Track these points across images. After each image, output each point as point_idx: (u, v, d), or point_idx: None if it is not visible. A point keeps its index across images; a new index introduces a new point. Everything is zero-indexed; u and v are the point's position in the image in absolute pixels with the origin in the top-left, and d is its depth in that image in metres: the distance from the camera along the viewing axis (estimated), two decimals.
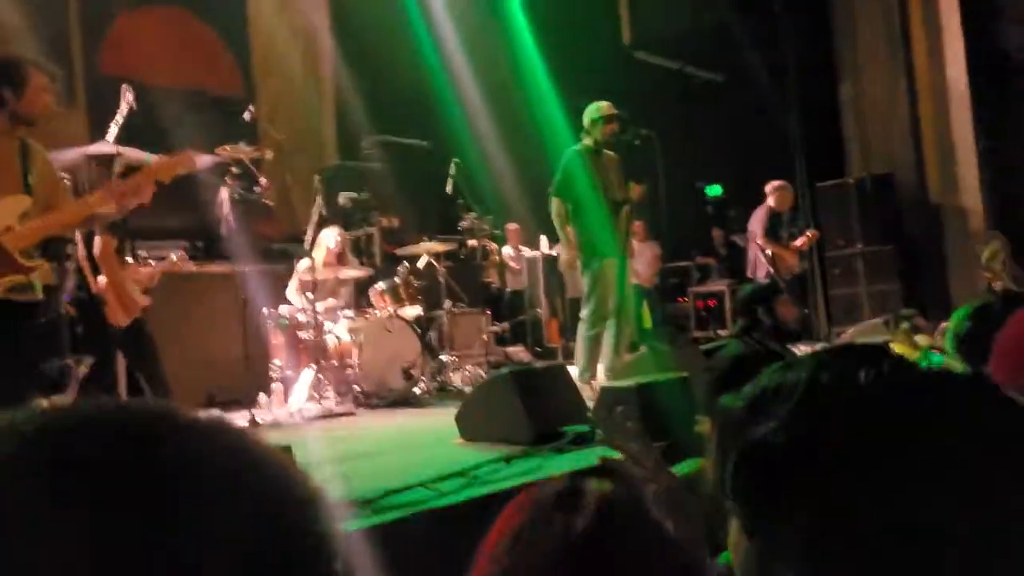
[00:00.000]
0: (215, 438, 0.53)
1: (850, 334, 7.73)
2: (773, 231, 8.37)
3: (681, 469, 1.88)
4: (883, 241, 9.85)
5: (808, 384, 0.73)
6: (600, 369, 6.06)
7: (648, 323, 12.02)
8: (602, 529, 1.02)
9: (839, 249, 10.10)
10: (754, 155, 10.85)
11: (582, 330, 6.07)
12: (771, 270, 8.27)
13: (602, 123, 6.04)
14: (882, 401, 0.70)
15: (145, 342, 5.32)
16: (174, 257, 5.88)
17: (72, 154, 6.47)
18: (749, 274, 8.63)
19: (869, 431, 0.69)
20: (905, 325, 5.61)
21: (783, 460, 0.71)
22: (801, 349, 7.68)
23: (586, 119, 6.14)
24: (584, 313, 6.08)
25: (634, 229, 11.55)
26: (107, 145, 6.16)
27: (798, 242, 8.41)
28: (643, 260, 11.64)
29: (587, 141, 6.12)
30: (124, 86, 5.99)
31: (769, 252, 8.26)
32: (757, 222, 8.45)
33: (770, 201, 8.43)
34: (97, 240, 5.07)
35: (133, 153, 5.67)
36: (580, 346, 6.06)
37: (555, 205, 6.12)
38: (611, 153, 6.21)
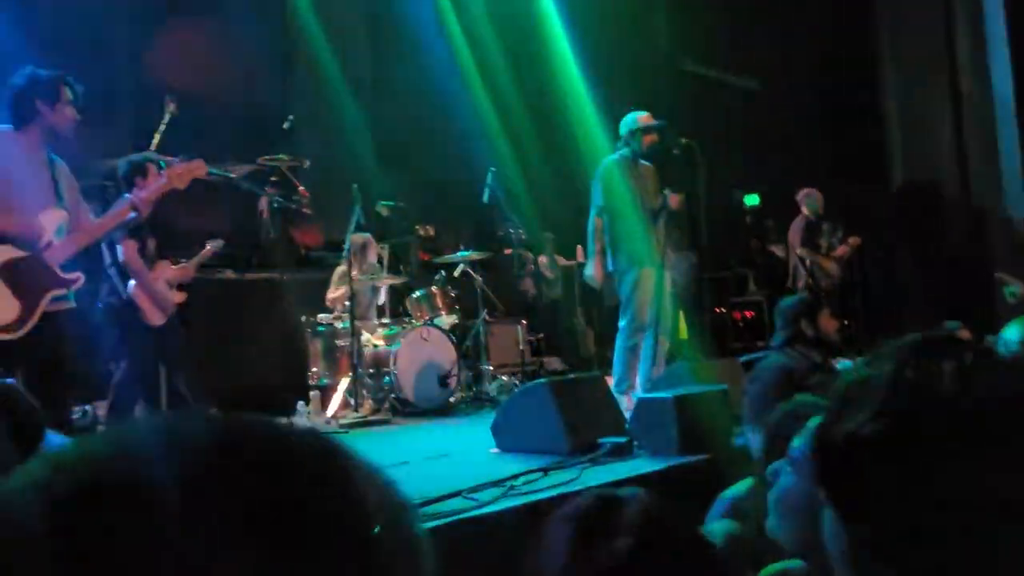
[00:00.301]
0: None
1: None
2: (811, 240, 8.29)
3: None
4: (926, 251, 9.68)
5: (894, 376, 0.74)
6: (638, 380, 6.01)
7: (685, 334, 11.91)
8: (645, 550, 1.00)
9: (880, 259, 9.96)
10: (793, 164, 10.75)
11: (619, 340, 6.03)
12: (810, 280, 8.18)
13: (642, 134, 5.98)
14: (974, 391, 0.71)
15: (177, 340, 5.39)
16: (209, 246, 5.93)
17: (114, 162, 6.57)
18: (789, 284, 8.55)
19: (964, 420, 0.70)
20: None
21: (877, 450, 0.72)
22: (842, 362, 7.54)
23: (624, 129, 6.09)
24: (622, 323, 6.04)
25: (671, 239, 11.53)
26: (151, 154, 6.25)
27: (838, 251, 8.31)
28: (680, 270, 11.55)
29: (624, 151, 6.08)
30: (167, 96, 6.07)
31: (808, 262, 8.17)
32: (795, 232, 8.38)
33: (803, 209, 8.36)
34: (118, 247, 5.15)
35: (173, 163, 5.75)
36: (617, 356, 6.01)
37: (591, 217, 6.07)
38: (647, 163, 6.17)
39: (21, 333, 3.62)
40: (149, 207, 4.29)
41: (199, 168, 4.59)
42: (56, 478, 0.46)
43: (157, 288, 5.18)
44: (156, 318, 5.20)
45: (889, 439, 0.72)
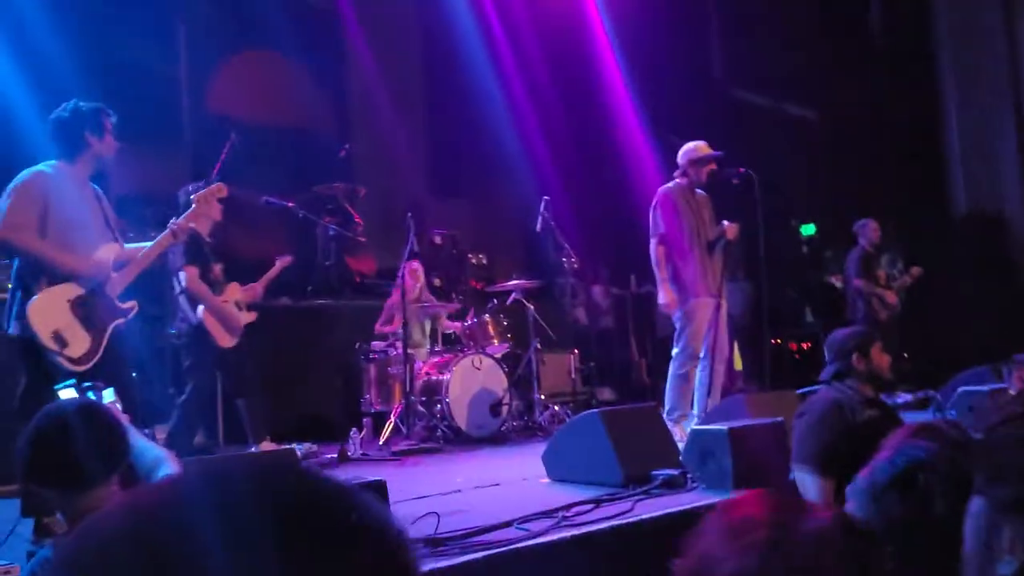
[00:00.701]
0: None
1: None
2: (869, 271, 8.16)
3: None
4: (989, 281, 9.44)
5: None
6: (692, 410, 5.93)
7: (739, 364, 11.75)
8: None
9: (942, 289, 9.72)
10: (851, 194, 10.60)
11: (672, 368, 5.96)
12: (869, 312, 8.05)
13: (701, 163, 5.93)
14: None
15: (245, 364, 5.49)
16: (279, 262, 6.02)
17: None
18: (849, 316, 8.42)
19: None
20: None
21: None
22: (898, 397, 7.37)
23: (683, 159, 6.02)
24: (675, 351, 5.97)
25: (726, 268, 11.40)
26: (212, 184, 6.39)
27: (901, 282, 8.17)
28: (735, 300, 11.41)
29: (681, 180, 6.02)
30: (229, 127, 6.21)
31: (866, 293, 8.04)
32: (852, 263, 8.27)
33: (860, 240, 8.26)
34: (182, 274, 5.27)
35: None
36: (670, 384, 5.94)
37: (653, 245, 6.00)
38: (703, 192, 6.12)
39: (90, 365, 3.73)
40: (184, 234, 4.37)
41: (220, 190, 4.86)
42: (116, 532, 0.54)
43: (225, 310, 5.28)
44: (226, 340, 5.31)
45: None
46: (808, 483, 3.33)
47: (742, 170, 5.92)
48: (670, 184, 6.06)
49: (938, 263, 9.74)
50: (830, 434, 3.32)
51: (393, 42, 10.62)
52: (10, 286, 3.85)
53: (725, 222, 5.93)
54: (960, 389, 5.47)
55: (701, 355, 5.90)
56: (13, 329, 3.75)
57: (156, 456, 2.37)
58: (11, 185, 3.85)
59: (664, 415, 5.53)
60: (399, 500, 3.90)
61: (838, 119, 10.98)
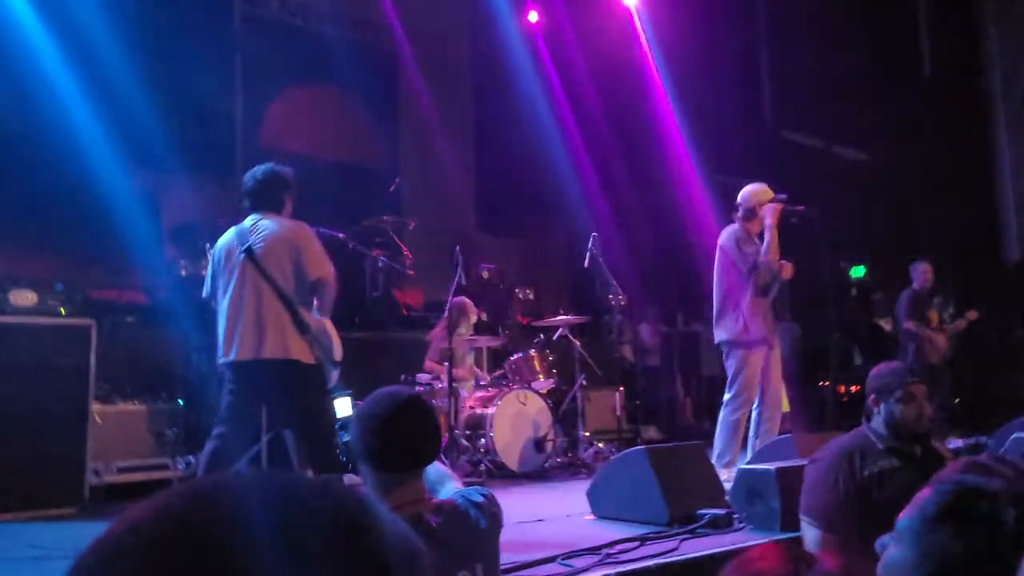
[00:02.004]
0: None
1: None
2: (920, 314, 8.02)
3: None
4: None
5: None
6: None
7: (786, 406, 11.55)
8: None
9: (995, 334, 9.51)
10: (902, 236, 10.46)
11: (724, 413, 5.78)
12: (919, 355, 7.92)
13: (763, 207, 5.75)
14: None
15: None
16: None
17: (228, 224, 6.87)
18: (899, 359, 8.28)
19: None
20: None
21: None
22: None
23: (747, 201, 5.90)
24: (728, 396, 5.78)
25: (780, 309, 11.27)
26: None
27: (952, 325, 8.02)
28: (783, 341, 11.25)
29: (745, 223, 5.84)
30: (281, 160, 6.30)
31: (917, 336, 7.91)
32: (903, 305, 8.14)
33: (913, 282, 8.15)
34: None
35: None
36: (720, 429, 5.76)
37: (739, 278, 5.78)
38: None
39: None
40: None
41: None
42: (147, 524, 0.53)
43: None
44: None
45: None
46: (810, 536, 3.14)
47: (801, 208, 5.80)
48: (734, 224, 5.88)
49: (991, 307, 9.53)
50: (833, 490, 3.08)
51: (444, 77, 10.77)
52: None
53: (782, 262, 5.78)
54: (1013, 436, 5.30)
55: (755, 401, 5.75)
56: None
57: (440, 471, 2.47)
58: (307, 231, 4.48)
59: (713, 459, 5.42)
60: None
61: (889, 161, 10.87)
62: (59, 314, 5.12)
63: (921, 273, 8.20)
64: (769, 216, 5.64)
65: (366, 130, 10.01)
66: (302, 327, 4.25)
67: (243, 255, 4.28)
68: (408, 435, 2.15)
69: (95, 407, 5.32)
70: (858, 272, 12.90)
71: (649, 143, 10.80)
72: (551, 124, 10.45)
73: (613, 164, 10.46)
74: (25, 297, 5.01)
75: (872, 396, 3.22)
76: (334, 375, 4.41)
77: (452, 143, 10.45)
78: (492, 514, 2.21)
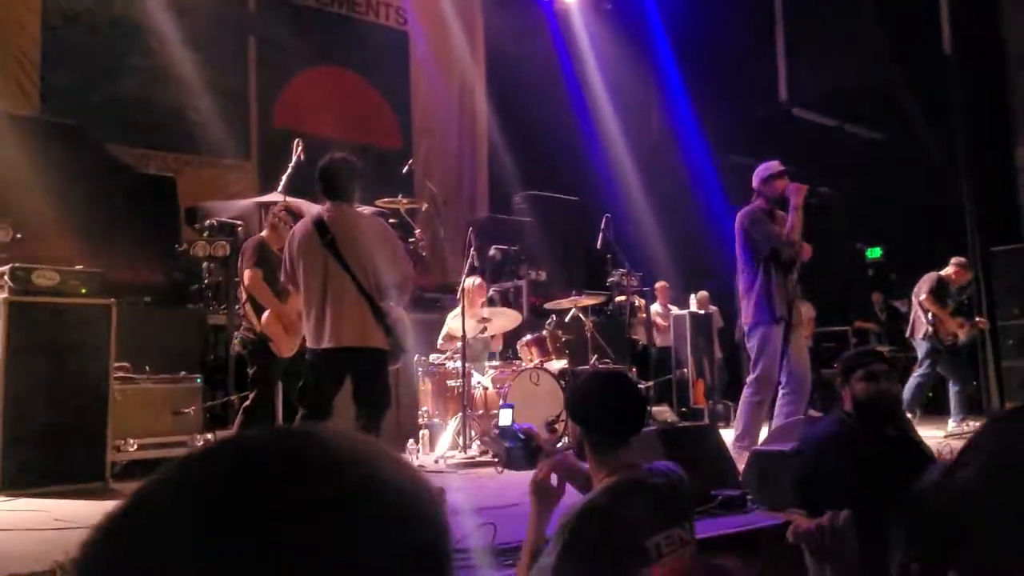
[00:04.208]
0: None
1: None
2: (940, 296, 8.00)
3: None
4: None
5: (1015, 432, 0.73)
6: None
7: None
8: None
9: (1014, 318, 9.46)
10: (918, 217, 10.40)
11: (746, 395, 5.70)
12: (930, 330, 7.91)
13: (773, 179, 5.72)
14: None
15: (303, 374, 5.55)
16: None
17: (245, 204, 6.95)
18: (908, 335, 8.29)
19: None
20: None
21: (983, 503, 0.71)
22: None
23: (756, 179, 5.78)
24: (751, 378, 5.71)
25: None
26: (277, 195, 6.55)
27: (966, 327, 8.07)
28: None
29: (759, 201, 5.84)
30: (296, 140, 6.34)
31: (931, 314, 7.90)
32: (925, 283, 8.10)
33: (948, 271, 8.09)
34: (245, 274, 5.37)
35: (296, 203, 6.01)
36: (742, 410, 5.68)
37: (758, 262, 5.69)
38: (782, 212, 5.89)
39: None
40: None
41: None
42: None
43: (289, 317, 5.35)
44: (285, 349, 5.37)
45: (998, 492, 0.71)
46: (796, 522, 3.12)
47: (825, 190, 5.79)
48: (751, 205, 5.85)
49: (1011, 290, 9.48)
50: (816, 475, 3.06)
51: (458, 58, 10.76)
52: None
53: (803, 243, 5.73)
54: None
55: (782, 382, 5.64)
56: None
57: None
58: (388, 228, 4.82)
59: (732, 441, 5.41)
60: (456, 512, 3.93)
61: (907, 141, 10.79)
62: (80, 294, 5.18)
63: (959, 267, 8.23)
64: (794, 197, 5.63)
65: (379, 111, 10.03)
66: (381, 317, 4.45)
67: (326, 247, 4.42)
68: (626, 402, 2.45)
69: (116, 386, 5.40)
70: (875, 253, 12.86)
71: (663, 124, 10.78)
72: (565, 107, 10.45)
73: (627, 146, 10.44)
74: (47, 277, 5.08)
75: (838, 379, 3.22)
76: (404, 359, 4.83)
77: (464, 125, 10.46)
78: (689, 484, 2.49)
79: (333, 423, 5.02)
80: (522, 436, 2.82)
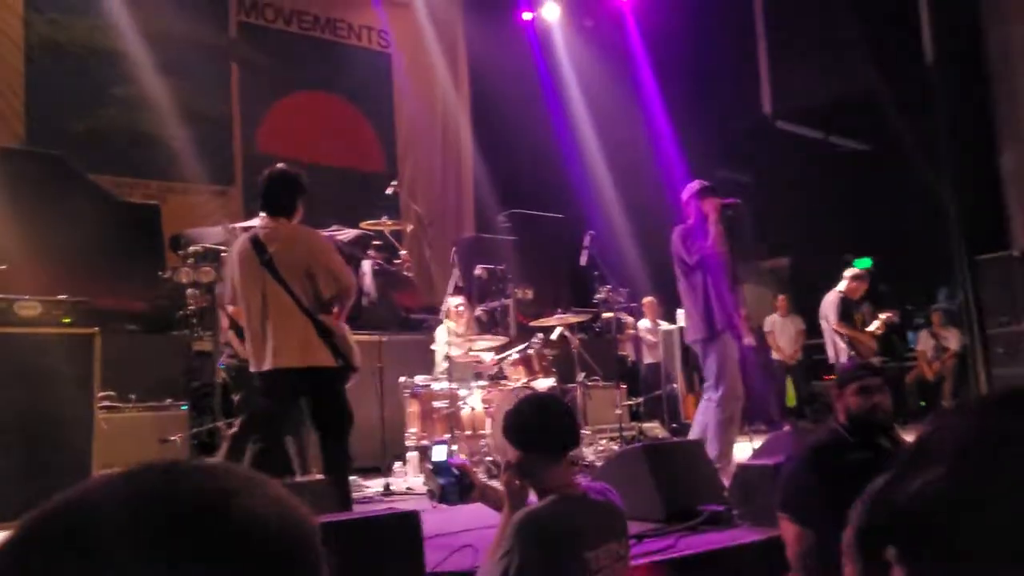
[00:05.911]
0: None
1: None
2: (847, 316, 8.00)
3: None
4: None
5: (976, 431, 0.69)
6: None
7: (792, 400, 11.57)
8: None
9: (1003, 326, 9.47)
10: (906, 227, 10.44)
11: (716, 414, 5.58)
12: (852, 354, 7.90)
13: (697, 199, 5.86)
14: None
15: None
16: None
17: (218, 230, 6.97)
18: (831, 360, 8.25)
19: None
20: None
21: (951, 508, 0.67)
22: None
23: (686, 200, 5.95)
24: (716, 396, 5.60)
25: (779, 303, 11.27)
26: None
27: (872, 326, 8.07)
28: (786, 336, 11.27)
29: (687, 221, 5.91)
30: (278, 164, 6.33)
31: (846, 336, 7.91)
32: (830, 307, 8.07)
33: (846, 286, 8.08)
34: (230, 308, 5.33)
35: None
36: (714, 432, 5.55)
37: (692, 277, 5.86)
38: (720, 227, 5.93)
39: None
40: None
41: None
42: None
43: None
44: None
45: (968, 495, 0.67)
46: (787, 532, 3.13)
47: (734, 200, 5.96)
48: (679, 225, 5.91)
49: (999, 298, 9.50)
50: (808, 486, 3.07)
51: (441, 80, 10.80)
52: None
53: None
54: None
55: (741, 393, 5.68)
56: None
57: None
58: (325, 240, 4.73)
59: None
60: (439, 534, 3.91)
61: (892, 151, 10.84)
62: (63, 323, 5.16)
63: (856, 279, 8.17)
64: (711, 212, 5.79)
65: (363, 134, 10.05)
66: (325, 334, 4.30)
67: (263, 266, 4.30)
68: (559, 421, 2.55)
69: (101, 415, 5.37)
70: (864, 264, 12.88)
71: (646, 139, 10.81)
72: (548, 125, 10.48)
73: (611, 162, 10.47)
74: (30, 307, 5.06)
75: (834, 392, 3.27)
76: (353, 378, 4.50)
77: (448, 146, 10.49)
78: (623, 508, 2.63)
79: (301, 451, 4.99)
80: (455, 472, 2.86)
